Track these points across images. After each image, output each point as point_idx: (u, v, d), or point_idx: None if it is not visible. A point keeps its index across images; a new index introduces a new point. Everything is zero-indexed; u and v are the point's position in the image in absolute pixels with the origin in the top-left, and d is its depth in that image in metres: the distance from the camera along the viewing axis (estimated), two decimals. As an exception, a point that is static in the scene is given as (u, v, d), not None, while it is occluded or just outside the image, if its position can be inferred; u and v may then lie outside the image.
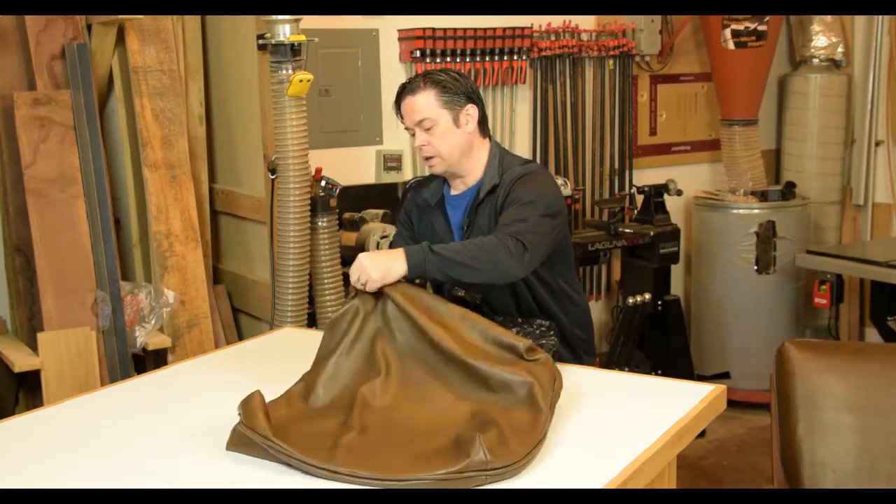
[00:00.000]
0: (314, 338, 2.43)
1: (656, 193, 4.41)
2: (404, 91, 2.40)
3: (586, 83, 4.59)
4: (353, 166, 3.88)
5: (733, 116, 4.88)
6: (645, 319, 4.32)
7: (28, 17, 3.07)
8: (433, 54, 3.99)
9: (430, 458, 1.71)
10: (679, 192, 4.47)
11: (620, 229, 4.27)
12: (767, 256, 4.67)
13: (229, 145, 3.62)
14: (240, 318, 3.66)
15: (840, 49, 5.13)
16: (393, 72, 4.01)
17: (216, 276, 3.66)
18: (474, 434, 1.71)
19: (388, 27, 3.97)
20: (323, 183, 3.28)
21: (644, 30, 4.69)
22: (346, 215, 3.56)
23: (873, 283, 4.22)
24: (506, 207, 2.33)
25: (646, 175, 4.83)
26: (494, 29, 4.14)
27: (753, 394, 4.54)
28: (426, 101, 2.36)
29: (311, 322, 3.29)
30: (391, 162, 3.96)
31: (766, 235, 4.65)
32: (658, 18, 4.77)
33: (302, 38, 3.07)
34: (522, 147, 4.41)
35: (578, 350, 2.52)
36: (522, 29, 4.22)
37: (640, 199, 4.52)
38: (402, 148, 4.03)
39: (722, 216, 4.77)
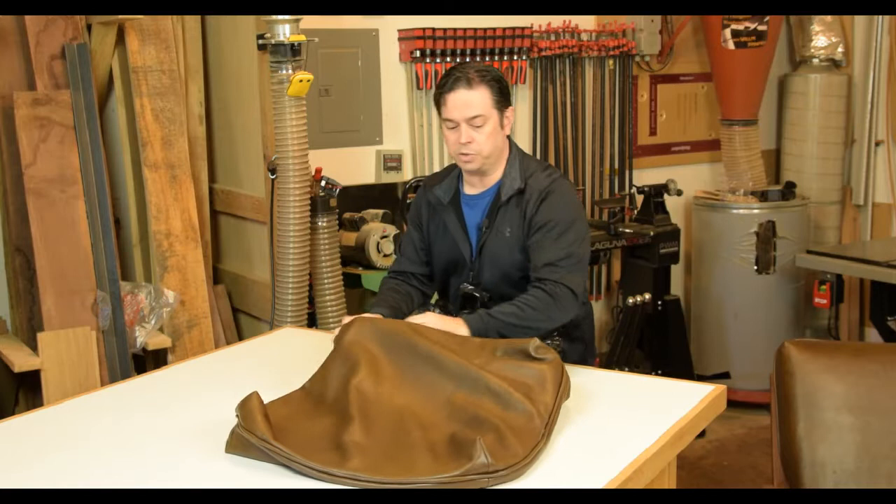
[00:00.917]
0: (314, 338, 2.44)
1: (656, 193, 4.41)
2: (458, 82, 2.30)
3: (586, 83, 4.59)
4: (353, 166, 3.88)
5: (733, 116, 4.89)
6: (645, 319, 4.32)
7: (28, 17, 3.07)
8: (433, 54, 3.99)
9: (431, 459, 1.71)
10: (679, 192, 4.46)
11: (620, 229, 4.27)
12: (767, 256, 4.67)
13: (229, 145, 3.62)
14: (240, 318, 3.66)
15: (840, 49, 5.13)
16: (393, 72, 4.01)
17: (216, 276, 3.66)
18: (474, 436, 1.71)
19: (388, 27, 3.98)
20: (323, 183, 3.28)
21: (644, 30, 4.70)
22: (346, 215, 3.57)
23: (873, 283, 4.22)
24: (542, 226, 2.33)
25: (646, 175, 4.83)
26: (494, 29, 4.14)
27: (753, 394, 4.54)
28: (483, 99, 2.30)
29: (311, 322, 3.29)
30: (391, 162, 3.96)
31: (766, 235, 4.65)
32: (658, 18, 4.77)
33: (302, 38, 3.07)
34: (522, 147, 4.40)
35: (583, 351, 2.52)
36: (522, 29, 4.22)
37: (640, 199, 4.52)
38: (402, 148, 4.03)
39: (722, 216, 4.77)
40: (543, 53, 4.36)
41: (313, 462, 1.70)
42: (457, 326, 2.19)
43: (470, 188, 2.47)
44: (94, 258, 3.01)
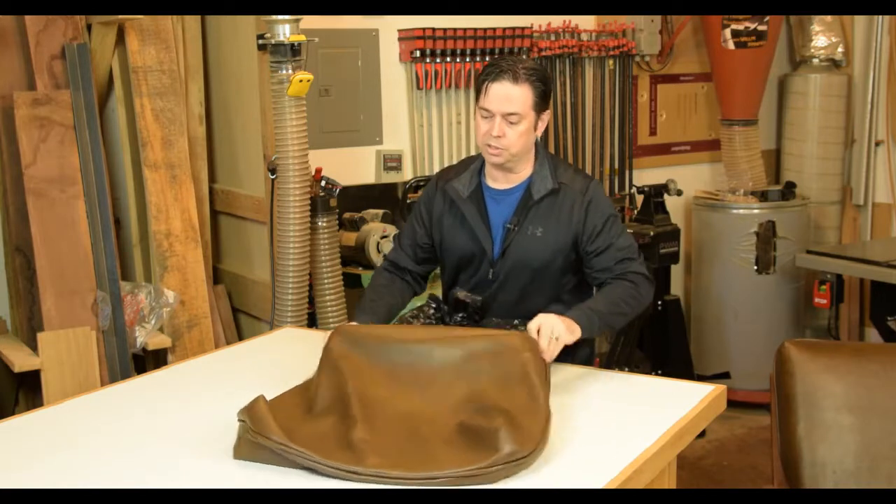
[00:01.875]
0: (314, 338, 2.43)
1: (656, 193, 4.41)
2: (503, 74, 2.27)
3: (586, 83, 4.59)
4: (353, 166, 3.88)
5: (733, 116, 4.88)
6: (645, 319, 4.32)
7: (28, 17, 3.07)
8: (433, 54, 3.99)
9: (451, 451, 1.71)
10: (679, 192, 4.46)
11: (620, 229, 4.26)
12: (767, 256, 4.67)
13: (229, 145, 3.62)
14: (240, 318, 3.66)
15: (840, 49, 5.13)
16: (393, 72, 4.01)
17: (216, 276, 3.66)
18: (486, 423, 1.72)
19: (388, 27, 3.97)
20: (323, 183, 3.28)
21: (644, 30, 4.70)
22: (346, 215, 3.56)
23: (873, 283, 4.22)
24: (596, 229, 2.37)
25: (646, 175, 4.83)
26: (494, 29, 4.14)
27: (753, 394, 4.54)
28: (524, 97, 2.28)
29: (311, 322, 3.29)
30: (391, 162, 3.96)
31: (766, 235, 4.65)
32: (658, 18, 4.77)
33: (302, 38, 3.07)
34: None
35: (589, 354, 2.51)
36: (522, 29, 4.22)
37: (640, 199, 4.52)
38: (402, 148, 4.03)
39: (722, 216, 4.77)
40: (543, 53, 4.36)
41: (334, 462, 1.68)
42: (573, 330, 2.20)
43: (494, 182, 2.43)
44: (94, 258, 3.01)
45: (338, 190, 3.30)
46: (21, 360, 2.92)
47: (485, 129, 2.31)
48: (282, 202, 3.15)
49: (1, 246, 3.25)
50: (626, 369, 4.09)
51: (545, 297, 2.41)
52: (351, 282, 3.42)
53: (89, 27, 3.20)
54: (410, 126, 4.07)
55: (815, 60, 5.15)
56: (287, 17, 3.05)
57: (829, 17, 5.10)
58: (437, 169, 3.97)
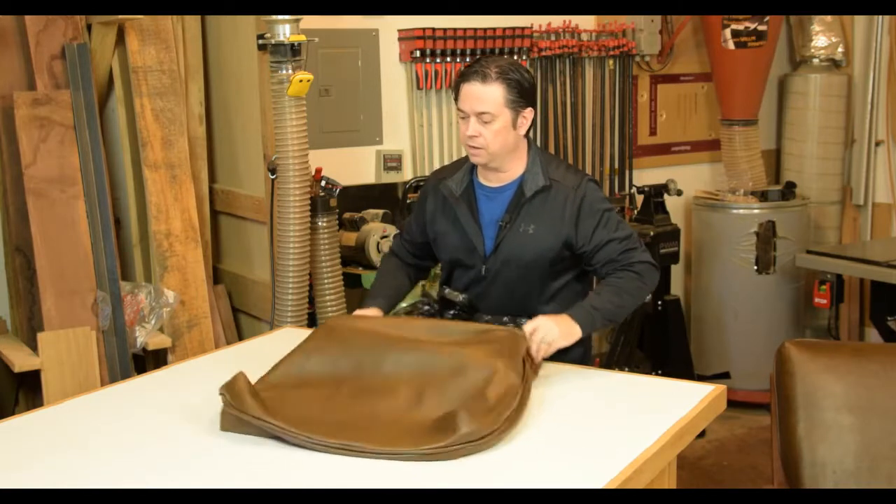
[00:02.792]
0: (314, 338, 2.44)
1: (656, 193, 4.41)
2: (474, 75, 2.31)
3: (586, 83, 4.59)
4: (353, 166, 3.88)
5: (733, 116, 4.88)
6: (645, 319, 4.32)
7: (28, 17, 3.07)
8: (433, 54, 3.99)
9: (419, 433, 1.80)
10: (679, 192, 4.46)
11: (620, 229, 4.26)
12: (767, 256, 4.67)
13: (229, 145, 3.62)
14: (240, 318, 3.66)
15: (840, 49, 5.13)
16: (393, 72, 4.01)
17: (216, 276, 3.66)
18: (456, 410, 1.81)
19: (388, 27, 3.97)
20: (323, 183, 3.28)
21: (644, 30, 4.69)
22: (346, 215, 3.56)
23: (873, 283, 4.22)
24: (584, 216, 2.38)
25: (646, 175, 4.83)
26: (494, 29, 4.14)
27: (753, 394, 4.54)
28: (494, 96, 2.29)
29: (311, 322, 3.29)
30: (391, 162, 3.96)
31: (766, 235, 4.65)
32: (658, 18, 4.77)
33: (302, 38, 3.07)
34: (522, 147, 4.41)
35: (582, 354, 2.51)
36: (522, 29, 4.22)
37: (640, 199, 4.52)
38: (402, 148, 4.03)
39: (722, 216, 4.77)
40: (543, 53, 4.36)
41: (306, 433, 1.80)
42: (571, 331, 2.25)
43: (486, 180, 2.45)
44: (94, 258, 3.01)
45: (338, 190, 3.30)
46: (21, 360, 2.92)
47: (463, 130, 2.36)
48: (282, 202, 3.15)
49: (1, 246, 3.25)
50: (626, 369, 4.10)
51: (537, 295, 2.43)
52: (351, 282, 3.42)
53: (89, 27, 3.20)
54: (410, 126, 4.07)
55: (815, 60, 5.15)
56: (287, 17, 3.05)
57: (829, 17, 5.10)
58: (444, 164, 3.98)
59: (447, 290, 2.45)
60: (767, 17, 4.68)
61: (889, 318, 4.12)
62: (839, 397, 2.37)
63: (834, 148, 5.14)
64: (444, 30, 4.00)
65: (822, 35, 5.12)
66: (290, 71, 3.06)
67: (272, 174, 3.18)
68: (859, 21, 5.18)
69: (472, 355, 2.04)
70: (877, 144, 5.16)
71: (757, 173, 4.92)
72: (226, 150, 3.65)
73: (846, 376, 2.39)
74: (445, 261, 2.53)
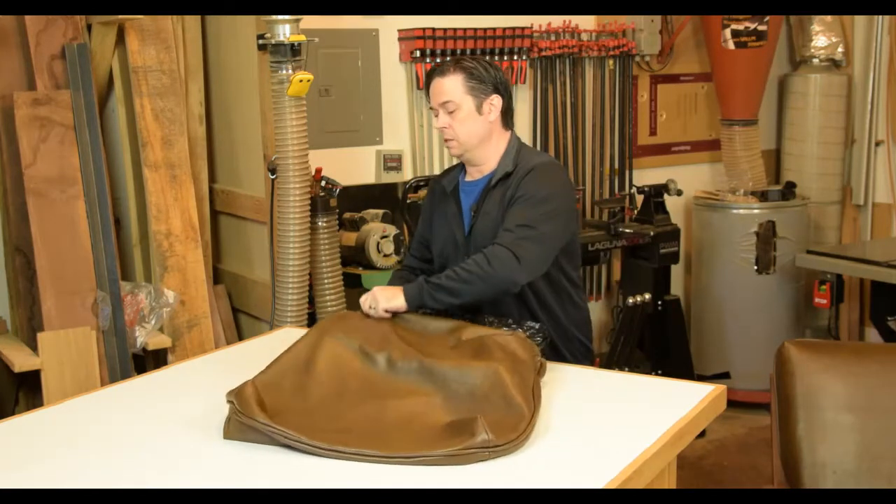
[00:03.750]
0: (314, 338, 2.43)
1: (656, 193, 4.41)
2: (435, 72, 2.45)
3: (586, 83, 4.59)
4: (353, 166, 3.88)
5: (733, 116, 4.88)
6: (645, 319, 4.32)
7: (28, 17, 3.07)
8: (433, 54, 3.99)
9: (432, 437, 1.78)
10: (679, 192, 4.46)
11: (620, 229, 4.27)
12: (767, 256, 4.66)
13: (229, 145, 3.62)
14: (240, 318, 3.66)
15: (840, 49, 5.13)
16: (393, 72, 4.01)
17: (216, 276, 3.66)
18: (474, 416, 1.78)
19: (388, 27, 3.97)
20: (323, 183, 3.28)
21: (644, 30, 4.69)
22: (346, 215, 3.56)
23: (873, 283, 4.22)
24: (515, 199, 2.36)
25: (646, 175, 4.83)
26: (494, 29, 4.13)
27: (753, 394, 4.54)
28: (453, 85, 2.40)
29: (312, 322, 3.29)
30: (391, 162, 3.96)
31: (766, 235, 4.65)
32: (658, 18, 4.77)
33: (302, 38, 3.07)
34: (522, 147, 4.41)
35: (577, 353, 2.52)
36: (522, 29, 4.22)
37: (640, 199, 4.52)
38: (402, 148, 4.03)
39: (722, 216, 4.77)
40: (543, 53, 4.36)
41: (317, 440, 1.77)
42: (396, 295, 2.27)
43: (469, 176, 2.55)
44: (94, 258, 3.01)
45: (338, 190, 3.30)
46: (21, 360, 2.92)
47: (436, 126, 2.47)
48: (282, 202, 3.15)
49: (1, 246, 3.25)
50: (626, 369, 4.10)
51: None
52: (351, 282, 3.42)
53: (89, 27, 3.20)
54: (410, 126, 4.07)
55: (815, 60, 5.15)
56: (287, 17, 3.05)
57: (829, 17, 5.10)
58: (437, 169, 3.98)
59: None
60: (767, 17, 4.68)
61: (889, 318, 4.12)
62: (839, 397, 2.37)
63: (834, 148, 5.14)
64: (444, 30, 4.00)
65: (822, 35, 5.12)
66: (290, 71, 3.06)
67: (272, 174, 3.18)
68: (859, 21, 5.18)
69: (482, 360, 2.03)
70: (877, 144, 5.16)
71: (757, 173, 4.92)
72: (226, 150, 3.65)
73: (846, 376, 2.39)
74: (437, 256, 2.60)
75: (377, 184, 3.93)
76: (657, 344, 4.41)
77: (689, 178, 4.88)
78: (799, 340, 2.50)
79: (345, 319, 2.27)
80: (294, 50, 3.07)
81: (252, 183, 3.47)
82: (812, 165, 5.13)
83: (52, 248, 2.96)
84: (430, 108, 2.50)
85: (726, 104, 4.91)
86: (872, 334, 4.83)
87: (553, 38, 4.40)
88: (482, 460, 1.74)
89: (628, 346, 4.28)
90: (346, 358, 2.07)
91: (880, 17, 5.02)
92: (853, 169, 5.25)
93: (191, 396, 2.19)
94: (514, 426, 1.81)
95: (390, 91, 4.02)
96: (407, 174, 4.01)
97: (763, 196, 4.76)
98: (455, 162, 2.62)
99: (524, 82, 4.31)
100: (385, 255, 3.43)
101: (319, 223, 3.25)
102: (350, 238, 3.49)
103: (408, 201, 3.65)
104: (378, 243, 3.42)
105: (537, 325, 2.36)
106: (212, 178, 3.65)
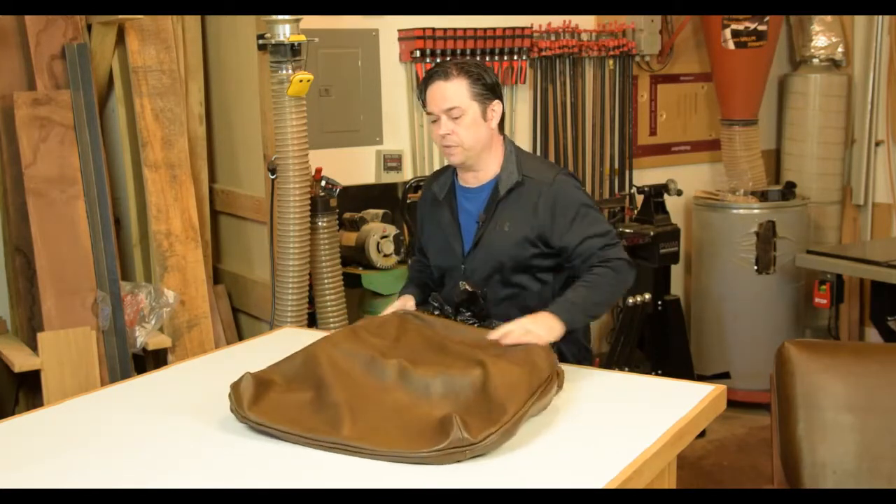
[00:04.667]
0: (314, 338, 2.43)
1: (656, 193, 4.41)
2: (435, 75, 2.35)
3: (586, 83, 4.59)
4: (353, 166, 3.88)
5: (733, 116, 4.88)
6: (645, 319, 4.32)
7: (28, 17, 3.07)
8: (433, 54, 3.99)
9: (417, 433, 1.79)
10: (679, 192, 4.46)
11: (620, 229, 4.27)
12: (767, 256, 4.66)
13: (229, 145, 3.62)
14: (240, 318, 3.66)
15: (840, 49, 5.13)
16: (393, 72, 4.01)
17: (216, 276, 3.66)
18: (451, 414, 1.78)
19: (388, 27, 3.97)
20: (323, 183, 3.28)
21: (644, 30, 4.69)
22: (346, 215, 3.56)
23: (873, 283, 4.22)
24: (560, 211, 2.37)
25: (646, 175, 4.83)
26: (494, 29, 4.14)
27: (753, 394, 4.54)
28: (458, 90, 2.33)
29: (311, 322, 3.29)
30: (391, 162, 3.96)
31: (766, 235, 4.65)
32: (658, 18, 4.77)
33: (302, 38, 3.07)
34: (522, 147, 4.40)
35: (576, 354, 2.51)
36: (522, 29, 4.22)
37: (640, 199, 4.52)
38: (402, 148, 4.03)
39: (722, 216, 4.77)
40: (543, 53, 4.36)
41: (313, 434, 1.82)
42: (553, 327, 2.21)
43: (465, 182, 2.49)
44: (94, 258, 3.01)
45: (338, 190, 3.30)
46: (21, 360, 2.92)
47: (436, 132, 2.38)
48: (282, 202, 3.15)
49: (1, 246, 3.25)
50: (626, 369, 4.09)
51: (513, 294, 2.43)
52: (351, 282, 3.42)
53: (89, 27, 3.20)
54: (410, 126, 4.07)
55: (815, 60, 5.15)
56: (287, 17, 3.05)
57: (829, 17, 5.10)
58: (436, 169, 3.97)
59: (462, 283, 2.42)
60: (767, 17, 4.68)
61: (889, 318, 4.12)
62: (839, 397, 2.37)
63: (834, 148, 5.14)
64: (444, 30, 4.00)
65: (822, 35, 5.12)
66: (290, 71, 3.06)
67: (272, 174, 3.19)
68: (859, 21, 5.18)
69: (485, 359, 2.01)
70: (877, 144, 5.16)
71: (757, 173, 4.92)
72: (226, 150, 3.65)
73: (846, 376, 2.39)
74: (435, 265, 2.57)
75: (377, 184, 3.93)
76: (657, 344, 4.41)
77: (689, 178, 4.88)
78: (799, 340, 2.50)
79: (355, 332, 2.21)
80: (294, 50, 3.07)
81: (252, 183, 3.47)
82: (812, 165, 5.13)
83: (52, 248, 2.96)
84: (428, 114, 2.39)
85: (726, 104, 4.91)
86: (872, 334, 4.83)
87: (553, 38, 4.40)
88: (459, 460, 1.73)
89: (628, 346, 4.27)
90: (346, 361, 2.06)
91: (880, 17, 5.02)
92: (853, 169, 5.25)
93: (191, 397, 2.19)
94: (496, 420, 1.80)
95: (390, 91, 4.02)
96: (407, 174, 4.01)
97: (763, 196, 4.76)
98: (444, 165, 2.60)
99: (524, 82, 4.31)
100: (385, 255, 3.43)
101: (319, 223, 3.25)
102: (350, 238, 3.49)
103: (408, 201, 3.65)
104: (378, 243, 3.42)
105: None
106: (212, 178, 3.65)
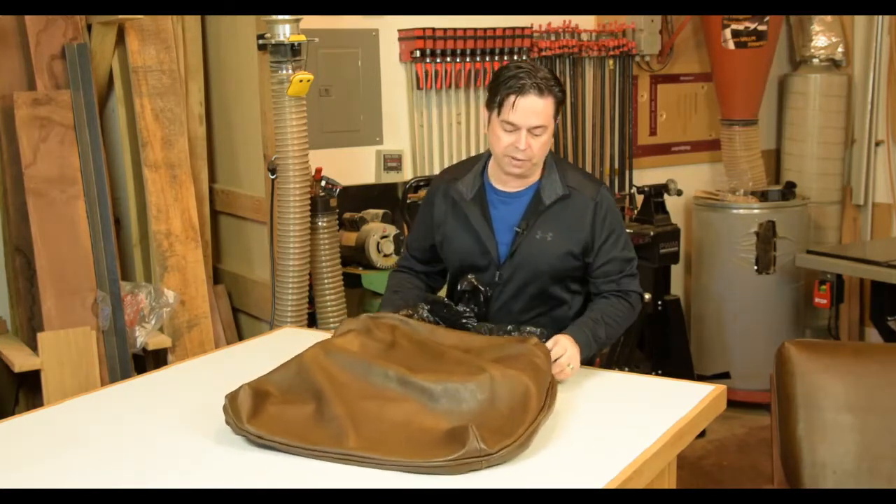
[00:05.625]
0: (314, 338, 2.43)
1: (656, 193, 4.41)
2: (531, 88, 2.23)
3: (586, 83, 4.59)
4: (353, 166, 3.88)
5: (733, 116, 4.88)
6: (645, 319, 4.32)
7: (28, 17, 3.07)
8: (433, 54, 3.99)
9: (427, 444, 1.76)
10: (679, 192, 4.46)
11: (620, 229, 4.26)
12: (767, 256, 4.67)
13: (229, 145, 3.62)
14: (240, 318, 3.66)
15: (840, 49, 5.13)
16: (393, 72, 4.01)
17: (216, 276, 3.66)
18: (466, 424, 1.75)
19: (388, 27, 3.97)
20: (323, 183, 3.28)
21: (644, 30, 4.69)
22: (346, 215, 3.56)
23: (873, 283, 4.22)
24: (605, 227, 2.39)
25: (646, 175, 4.83)
26: (494, 29, 4.13)
27: (753, 394, 4.54)
28: (548, 109, 2.26)
29: (311, 322, 3.29)
30: (391, 162, 3.96)
31: (766, 235, 4.65)
32: (658, 18, 4.77)
33: (302, 38, 3.08)
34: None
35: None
36: (522, 29, 4.22)
37: (640, 199, 4.52)
38: (402, 148, 4.03)
39: (722, 216, 4.77)
40: (543, 53, 4.36)
41: (315, 445, 1.78)
42: (576, 353, 2.24)
43: (503, 185, 2.41)
44: (94, 258, 3.01)
45: (338, 190, 3.30)
46: (21, 360, 2.92)
47: (508, 142, 2.27)
48: (282, 202, 3.15)
49: (1, 246, 3.25)
50: (626, 369, 4.09)
51: (546, 305, 2.42)
52: (351, 282, 3.42)
53: (89, 27, 3.20)
54: (410, 126, 4.07)
55: (815, 60, 5.15)
56: (287, 17, 3.05)
57: (829, 17, 5.10)
58: (437, 169, 3.97)
59: (470, 276, 2.39)
60: (767, 17, 4.68)
61: (889, 318, 4.12)
62: (839, 397, 2.37)
63: (834, 148, 5.14)
64: (444, 30, 4.00)
65: (822, 35, 5.12)
66: (290, 71, 3.06)
67: (272, 174, 3.19)
68: (859, 21, 5.18)
69: (487, 366, 1.98)
70: (877, 144, 5.16)
71: (757, 173, 4.92)
72: (226, 150, 3.65)
73: (846, 376, 2.39)
74: (454, 265, 2.49)
75: (377, 184, 3.93)
76: (657, 344, 4.41)
77: (689, 178, 4.88)
78: (799, 340, 2.50)
79: (349, 335, 2.17)
80: (294, 50, 3.07)
81: (252, 183, 3.47)
82: (812, 165, 5.13)
83: (52, 248, 2.96)
84: (505, 122, 2.25)
85: (726, 104, 4.91)
86: (872, 334, 4.83)
87: (553, 38, 4.40)
88: (474, 470, 1.71)
89: (628, 346, 4.27)
90: (342, 373, 2.02)
91: (880, 17, 5.02)
92: (853, 169, 5.25)
93: (191, 397, 2.19)
94: (511, 432, 1.78)
95: (390, 91, 4.02)
96: (407, 174, 4.01)
97: (763, 196, 4.76)
98: (452, 161, 2.56)
99: (524, 82, 4.31)
100: (385, 255, 3.43)
101: (319, 223, 3.25)
102: (350, 238, 3.49)
103: (408, 201, 3.65)
104: (378, 243, 3.42)
105: (538, 331, 2.35)
106: (212, 178, 3.65)
